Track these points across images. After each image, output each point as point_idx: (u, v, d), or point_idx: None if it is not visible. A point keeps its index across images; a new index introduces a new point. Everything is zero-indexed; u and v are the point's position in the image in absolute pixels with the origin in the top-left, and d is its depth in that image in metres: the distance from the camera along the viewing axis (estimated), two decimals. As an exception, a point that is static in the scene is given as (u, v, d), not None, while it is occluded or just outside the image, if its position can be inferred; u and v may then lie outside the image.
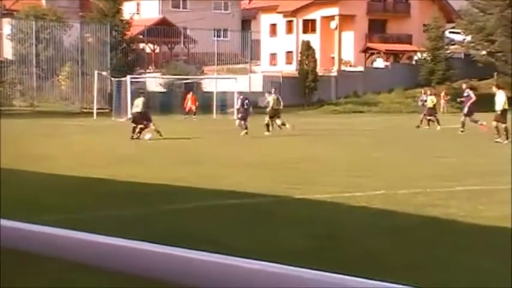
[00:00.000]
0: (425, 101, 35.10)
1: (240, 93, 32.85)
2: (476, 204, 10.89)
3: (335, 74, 64.46)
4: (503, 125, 25.42)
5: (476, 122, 29.84)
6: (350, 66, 68.23)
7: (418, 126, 33.75)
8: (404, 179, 14.27)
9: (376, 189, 12.37)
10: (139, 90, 32.72)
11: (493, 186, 12.92)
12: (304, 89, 57.77)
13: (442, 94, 55.25)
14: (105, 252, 1.81)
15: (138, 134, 25.68)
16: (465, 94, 31.32)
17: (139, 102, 26.51)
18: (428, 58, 64.53)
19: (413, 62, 69.11)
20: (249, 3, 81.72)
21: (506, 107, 25.82)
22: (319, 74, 60.92)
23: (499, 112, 25.51)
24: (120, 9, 55.86)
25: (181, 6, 75.80)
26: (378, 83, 61.30)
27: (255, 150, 22.11)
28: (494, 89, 28.30)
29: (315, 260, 6.72)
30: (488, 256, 7.54)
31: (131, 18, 57.25)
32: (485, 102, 29.27)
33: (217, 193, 12.02)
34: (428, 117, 33.81)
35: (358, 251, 7.92)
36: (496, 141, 24.59)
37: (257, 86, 59.01)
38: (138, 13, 67.62)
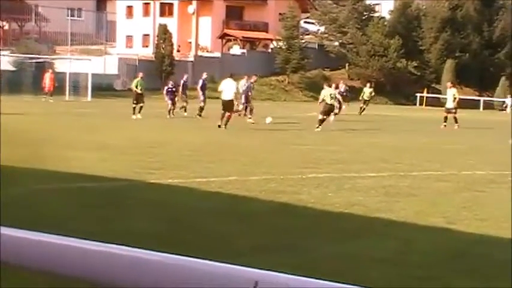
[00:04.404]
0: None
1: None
2: (325, 191, 11.09)
3: (192, 59, 64.35)
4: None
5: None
6: (207, 51, 68.25)
7: None
8: (258, 165, 14.36)
9: (229, 175, 12.36)
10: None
11: (343, 174, 13.22)
12: (161, 73, 57.26)
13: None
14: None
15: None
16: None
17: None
18: (284, 47, 65.30)
19: (269, 50, 69.93)
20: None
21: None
22: (176, 58, 60.74)
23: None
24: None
25: (33, -18, 73.31)
26: (234, 70, 60.99)
27: (117, 134, 21.55)
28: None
29: (161, 243, 6.57)
30: (335, 241, 7.66)
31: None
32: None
33: (63, 176, 11.59)
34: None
35: (207, 235, 7.82)
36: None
37: (112, 68, 58.26)
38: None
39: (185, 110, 31.98)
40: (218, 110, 25.20)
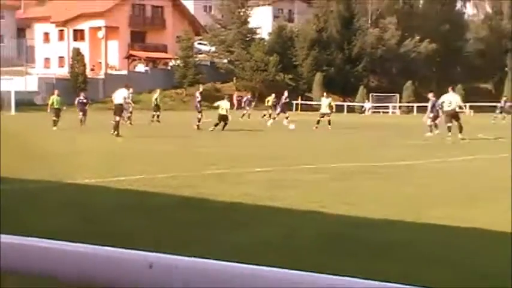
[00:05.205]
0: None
1: None
2: (224, 184, 11.06)
3: (102, 76, 63.53)
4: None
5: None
6: (115, 70, 67.36)
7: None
8: (165, 165, 14.19)
9: (138, 174, 12.16)
10: None
11: (239, 170, 13.23)
12: (75, 90, 55.90)
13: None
14: None
15: None
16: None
17: None
18: (181, 64, 65.54)
19: (169, 68, 69.69)
20: (24, 13, 77.66)
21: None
22: (89, 76, 59.89)
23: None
24: None
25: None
26: (139, 85, 60.66)
27: (39, 142, 20.80)
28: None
29: (74, 236, 6.37)
30: (235, 230, 7.62)
31: None
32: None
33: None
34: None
35: (115, 229, 7.58)
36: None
37: (33, 86, 57.22)
38: None
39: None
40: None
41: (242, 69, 67.95)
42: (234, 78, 68.91)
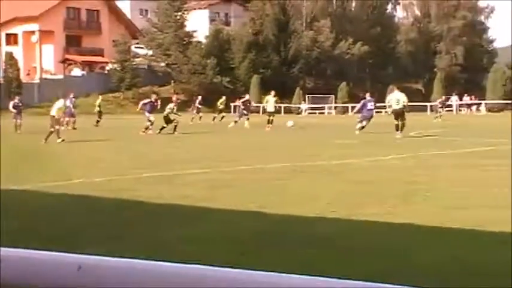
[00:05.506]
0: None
1: None
2: (161, 186, 10.95)
3: (38, 81, 61.99)
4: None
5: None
6: (51, 74, 65.91)
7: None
8: (103, 169, 13.95)
9: (76, 178, 11.93)
10: None
11: (178, 172, 13.12)
12: (10, 94, 54.50)
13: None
14: None
15: None
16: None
17: None
18: (118, 68, 64.77)
19: (106, 72, 68.69)
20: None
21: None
22: (24, 81, 58.39)
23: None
24: None
25: None
26: (76, 89, 59.68)
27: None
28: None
29: (16, 241, 6.19)
30: (168, 228, 7.55)
31: None
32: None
33: None
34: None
35: (55, 230, 7.43)
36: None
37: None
38: None
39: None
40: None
41: (180, 73, 67.58)
42: (172, 81, 68.46)
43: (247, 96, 36.86)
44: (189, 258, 1.56)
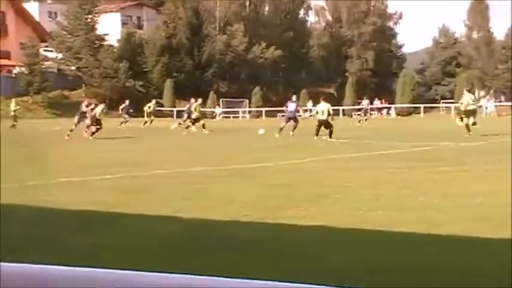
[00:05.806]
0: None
1: None
2: (72, 192, 10.72)
3: None
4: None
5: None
6: (-46, 78, 63.33)
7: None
8: (10, 174, 13.49)
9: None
10: None
11: (90, 177, 12.86)
12: None
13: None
14: None
15: None
16: None
17: None
18: (26, 71, 63.00)
19: (13, 75, 66.55)
20: None
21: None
22: None
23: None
24: None
25: None
26: (-19, 93, 57.89)
27: None
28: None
29: None
30: (82, 233, 7.42)
31: None
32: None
33: None
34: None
35: None
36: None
37: None
38: None
39: None
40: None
41: (91, 76, 66.30)
42: (83, 85, 67.06)
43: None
44: (105, 264, 1.57)
